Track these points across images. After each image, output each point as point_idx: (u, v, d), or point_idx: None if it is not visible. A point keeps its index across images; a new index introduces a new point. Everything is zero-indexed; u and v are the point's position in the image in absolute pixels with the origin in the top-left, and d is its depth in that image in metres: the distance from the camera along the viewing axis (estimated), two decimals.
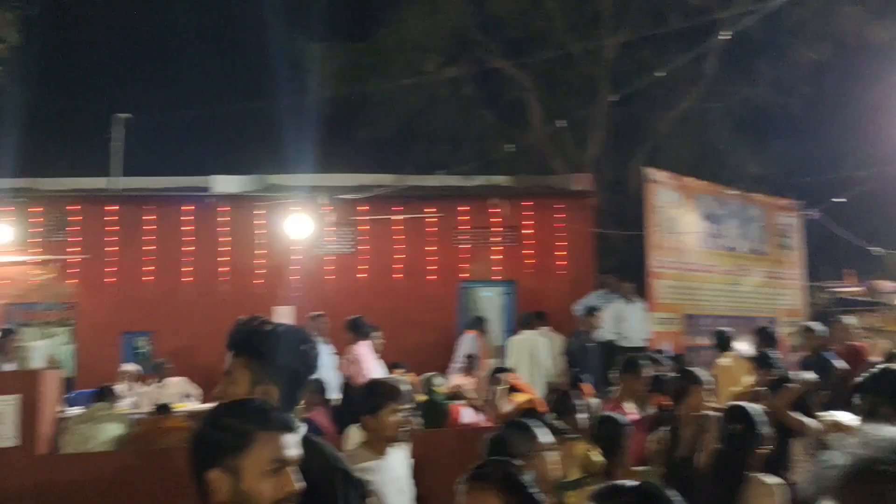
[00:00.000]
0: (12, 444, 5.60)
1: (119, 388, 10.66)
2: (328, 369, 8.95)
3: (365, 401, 3.61)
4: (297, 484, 1.84)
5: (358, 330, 8.66)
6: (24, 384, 5.71)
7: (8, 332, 7.24)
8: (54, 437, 5.90)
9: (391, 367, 8.14)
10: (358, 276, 12.23)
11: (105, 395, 6.79)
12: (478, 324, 10.85)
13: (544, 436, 3.18)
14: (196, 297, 11.93)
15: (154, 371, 10.99)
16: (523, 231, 12.60)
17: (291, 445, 1.86)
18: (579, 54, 14.59)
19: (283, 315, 12.11)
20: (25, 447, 5.64)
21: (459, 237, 12.62)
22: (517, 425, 3.27)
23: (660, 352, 8.75)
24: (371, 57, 14.68)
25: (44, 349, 6.20)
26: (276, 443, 1.83)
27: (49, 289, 10.23)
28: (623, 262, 12.55)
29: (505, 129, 14.98)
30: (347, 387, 8.47)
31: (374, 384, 3.84)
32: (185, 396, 10.64)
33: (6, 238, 11.64)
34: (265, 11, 14.76)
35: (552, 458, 3.15)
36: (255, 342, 2.35)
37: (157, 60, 15.33)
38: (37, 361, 5.97)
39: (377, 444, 3.54)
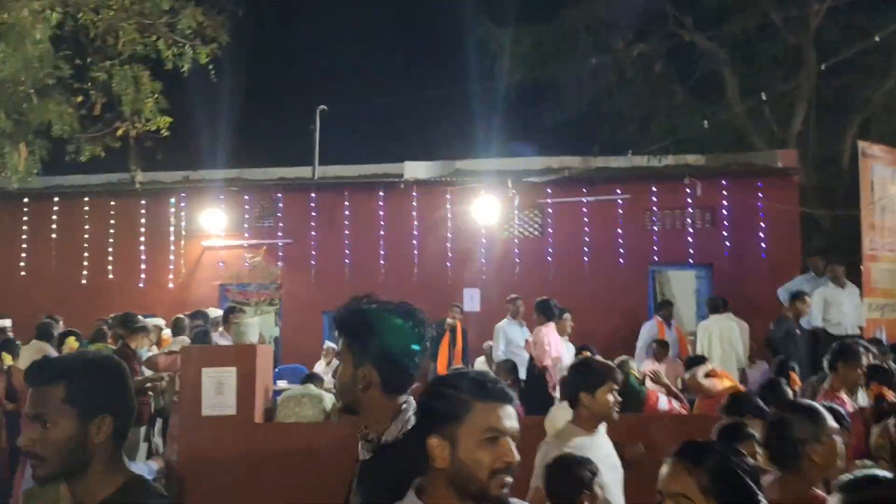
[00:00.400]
0: (231, 413, 6.06)
1: (321, 364, 11.37)
2: (521, 349, 9.04)
3: (583, 378, 3.60)
4: (516, 455, 1.84)
5: (545, 312, 8.64)
6: (241, 358, 6.16)
7: (232, 310, 7.90)
8: (268, 408, 6.33)
9: (579, 350, 8.03)
10: (546, 259, 12.18)
11: (313, 378, 7.26)
12: (661, 308, 10.47)
13: (832, 420, 2.92)
14: (390, 278, 12.39)
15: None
16: (720, 211, 12.01)
17: (510, 416, 1.86)
18: (781, 22, 13.62)
19: (470, 297, 12.37)
20: (242, 416, 6.09)
21: (650, 219, 12.24)
22: (802, 408, 2.96)
23: (877, 340, 8.03)
24: (557, 38, 14.51)
25: (257, 326, 6.66)
26: (493, 413, 1.84)
27: (260, 271, 11.04)
28: (832, 243, 11.65)
29: (697, 106, 14.32)
30: (532, 367, 8.48)
31: (592, 363, 3.84)
32: None
33: (222, 224, 12.68)
34: None
35: (841, 444, 2.89)
36: (352, 322, 2.25)
37: (352, 52, 16.06)
38: (252, 337, 6.42)
39: (589, 422, 3.55)
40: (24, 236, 12.79)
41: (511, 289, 11.67)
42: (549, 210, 12.42)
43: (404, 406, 2.21)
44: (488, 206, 12.26)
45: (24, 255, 12.71)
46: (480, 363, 10.65)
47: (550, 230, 12.39)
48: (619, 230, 12.10)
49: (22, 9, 6.93)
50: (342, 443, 6.18)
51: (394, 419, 2.17)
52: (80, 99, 8.98)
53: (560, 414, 4.03)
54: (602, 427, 3.60)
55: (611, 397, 3.52)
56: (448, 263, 12.41)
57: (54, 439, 1.87)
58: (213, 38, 8.58)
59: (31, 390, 1.92)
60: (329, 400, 6.76)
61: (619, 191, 12.21)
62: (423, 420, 1.92)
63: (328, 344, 11.78)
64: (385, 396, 2.20)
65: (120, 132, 9.10)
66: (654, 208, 12.21)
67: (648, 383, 6.90)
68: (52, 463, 1.89)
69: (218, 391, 6.04)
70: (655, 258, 12.14)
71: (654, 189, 12.19)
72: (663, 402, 6.48)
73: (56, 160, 10.71)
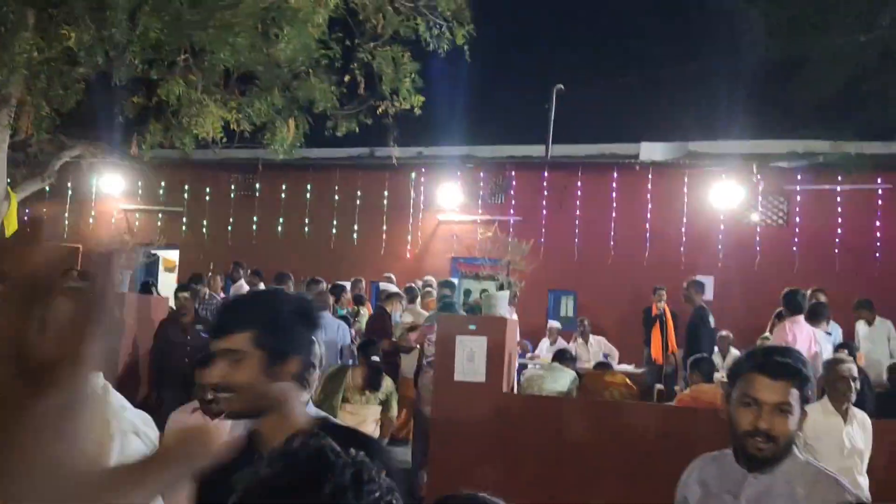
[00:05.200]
0: (481, 381, 6.33)
1: (545, 342, 11.53)
2: None
3: None
4: (769, 422, 2.09)
5: (791, 305, 8.17)
6: (492, 329, 6.39)
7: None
8: (513, 379, 6.54)
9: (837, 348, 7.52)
10: (791, 250, 11.50)
11: (563, 355, 7.39)
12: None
13: None
14: (619, 261, 12.27)
15: (576, 329, 11.63)
16: None
17: (772, 389, 2.10)
18: None
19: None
20: (491, 384, 6.33)
21: None
22: None
23: None
24: (814, 11, 13.47)
25: (506, 299, 6.87)
26: (755, 382, 2.13)
27: (495, 247, 11.38)
28: None
29: None
30: None
31: None
32: (605, 355, 11.10)
33: (457, 200, 13.17)
34: None
35: None
36: None
37: (589, 30, 15.96)
38: (501, 310, 6.64)
39: None
40: (282, 204, 14.04)
41: (750, 279, 11.18)
42: (797, 197, 11.70)
43: None
44: (728, 191, 11.77)
45: (281, 219, 13.94)
46: (717, 356, 10.32)
47: (797, 219, 11.67)
48: (877, 223, 11.15)
49: None
50: (578, 419, 6.33)
51: None
52: (347, 78, 9.64)
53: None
54: None
55: None
56: (681, 248, 12.08)
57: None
58: (469, 19, 8.88)
59: None
60: (569, 377, 6.87)
61: (879, 180, 11.24)
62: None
63: (552, 323, 11.93)
64: None
65: (380, 110, 9.68)
66: None
67: None
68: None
69: (469, 358, 6.32)
70: None
71: None
72: None
73: (314, 134, 11.57)
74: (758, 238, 11.78)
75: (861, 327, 9.59)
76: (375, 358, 6.65)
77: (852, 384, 4.56)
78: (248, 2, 7.89)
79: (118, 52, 8.56)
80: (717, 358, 10.31)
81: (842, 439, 4.56)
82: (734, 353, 10.14)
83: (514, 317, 8.45)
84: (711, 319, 9.35)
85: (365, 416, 6.40)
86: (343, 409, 6.33)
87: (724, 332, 10.51)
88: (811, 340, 8.10)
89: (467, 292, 12.06)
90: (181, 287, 8.44)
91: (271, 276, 10.78)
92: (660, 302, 10.66)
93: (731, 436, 2.17)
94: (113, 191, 14.61)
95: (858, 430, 4.62)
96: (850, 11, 12.88)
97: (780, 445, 2.09)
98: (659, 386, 9.89)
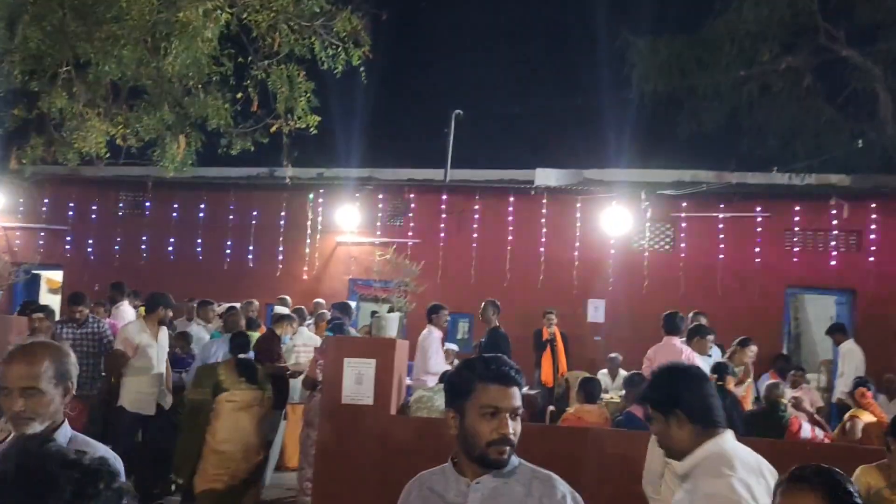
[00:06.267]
0: (369, 403, 6.26)
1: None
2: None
3: None
4: (511, 428, 2.13)
5: (666, 326, 8.42)
6: (381, 351, 6.34)
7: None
8: (402, 401, 6.49)
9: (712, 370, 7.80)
10: (677, 274, 11.92)
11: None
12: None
13: None
14: (515, 284, 12.44)
15: (472, 351, 11.68)
16: (867, 236, 11.43)
17: (508, 396, 2.14)
18: None
19: (595, 308, 12.24)
20: (379, 406, 6.27)
21: (790, 239, 11.79)
22: None
23: None
24: (699, 48, 14.13)
25: (396, 321, 6.83)
26: (491, 392, 2.14)
27: (389, 268, 11.35)
28: None
29: (846, 124, 13.62)
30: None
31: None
32: None
33: (355, 221, 13.09)
34: (592, 8, 14.90)
35: None
36: None
37: (487, 60, 16.24)
38: (391, 332, 6.60)
39: None
40: (173, 223, 13.62)
41: (638, 303, 11.51)
42: (683, 224, 12.16)
43: None
44: (619, 217, 12.12)
45: (172, 239, 13.51)
46: (603, 375, 10.56)
47: (683, 245, 12.13)
48: (757, 249, 11.71)
49: (197, 8, 7.41)
50: None
51: None
52: (240, 95, 9.47)
53: None
54: None
55: None
56: (574, 272, 12.34)
57: None
58: (366, 41, 8.87)
59: None
60: None
61: (758, 208, 11.83)
62: (445, 396, 2.29)
63: (449, 345, 11.94)
64: None
65: (274, 129, 9.53)
66: (796, 228, 11.75)
67: (790, 409, 6.66)
68: None
69: (357, 381, 6.25)
70: (793, 280, 11.68)
71: (795, 208, 11.74)
72: (806, 430, 6.23)
73: (207, 153, 11.30)
74: (646, 263, 12.16)
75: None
76: (243, 355, 6.68)
77: None
78: (135, 14, 7.65)
79: None
80: (606, 379, 10.58)
81: None
82: (623, 374, 10.41)
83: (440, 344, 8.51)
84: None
85: (246, 400, 6.47)
86: (224, 399, 6.41)
87: (613, 354, 10.80)
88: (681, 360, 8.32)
89: (373, 313, 11.96)
90: (35, 307, 7.80)
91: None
92: (550, 326, 10.85)
93: (469, 448, 2.16)
94: None
95: None
96: (732, 48, 13.56)
97: (515, 448, 2.16)
98: (551, 407, 10.03)
